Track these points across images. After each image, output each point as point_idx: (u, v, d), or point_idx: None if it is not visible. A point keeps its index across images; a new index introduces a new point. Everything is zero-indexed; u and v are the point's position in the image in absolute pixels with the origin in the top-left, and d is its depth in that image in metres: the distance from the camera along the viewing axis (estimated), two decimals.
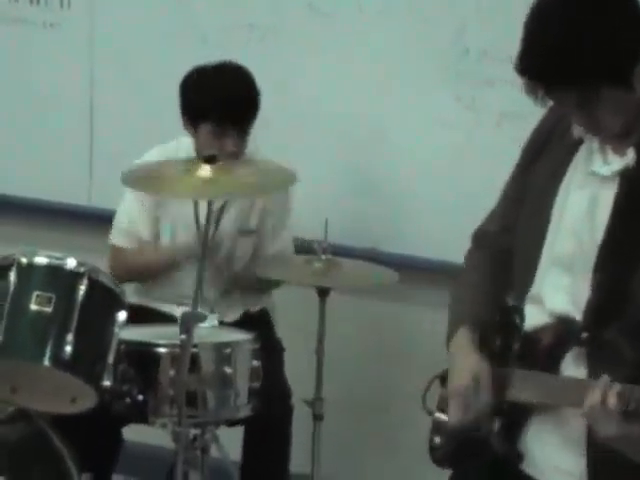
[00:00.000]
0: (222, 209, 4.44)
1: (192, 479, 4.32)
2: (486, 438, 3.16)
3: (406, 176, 4.39)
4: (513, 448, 3.14)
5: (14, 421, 4.51)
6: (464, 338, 3.13)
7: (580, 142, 3.00)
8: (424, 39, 4.69)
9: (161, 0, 5.36)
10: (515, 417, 3.14)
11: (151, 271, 4.79)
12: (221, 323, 4.47)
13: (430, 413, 3.32)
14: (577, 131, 2.94)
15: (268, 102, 4.49)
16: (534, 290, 3.06)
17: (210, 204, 3.92)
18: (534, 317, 3.05)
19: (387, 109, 4.89)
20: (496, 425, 3.15)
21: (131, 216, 4.67)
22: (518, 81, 2.80)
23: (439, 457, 3.33)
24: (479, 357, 3.05)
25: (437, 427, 3.34)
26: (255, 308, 4.79)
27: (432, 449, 3.35)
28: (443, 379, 3.27)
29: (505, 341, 3.12)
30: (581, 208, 2.95)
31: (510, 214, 3.20)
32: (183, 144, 4.48)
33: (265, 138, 4.61)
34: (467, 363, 3.07)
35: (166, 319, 4.57)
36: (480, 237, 3.32)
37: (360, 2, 5.00)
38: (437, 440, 3.32)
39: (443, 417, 3.32)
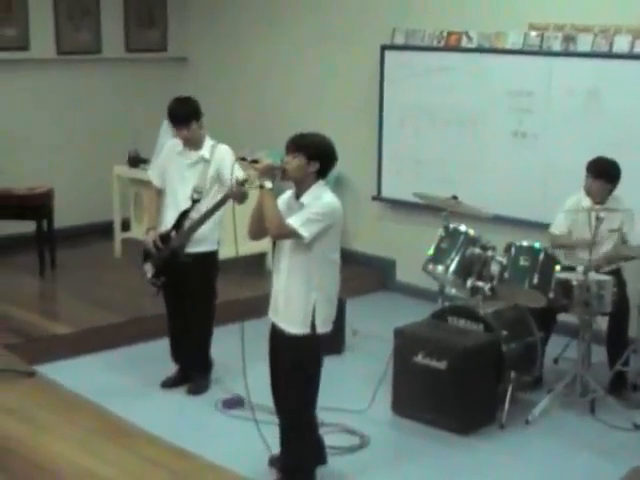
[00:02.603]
0: (600, 220, 5.95)
1: (586, 337, 6.02)
2: None
3: None
4: None
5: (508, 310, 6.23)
6: None
7: None
8: None
9: None
10: None
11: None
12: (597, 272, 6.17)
13: None
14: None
15: None
16: None
17: (597, 219, 5.86)
18: None
19: None
20: None
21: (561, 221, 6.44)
22: None
23: None
24: None
25: None
26: (615, 267, 6.39)
27: None
28: None
29: None
30: None
31: None
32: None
33: None
34: None
35: (572, 269, 6.21)
36: None
37: None
38: None
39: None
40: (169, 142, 6.42)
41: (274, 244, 4.70)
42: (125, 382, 6.41)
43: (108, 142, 9.59)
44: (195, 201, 6.05)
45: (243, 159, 4.65)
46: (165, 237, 6.12)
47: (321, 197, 4.55)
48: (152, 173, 6.44)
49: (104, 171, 9.16)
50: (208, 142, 6.15)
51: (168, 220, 6.16)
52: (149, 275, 6.22)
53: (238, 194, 5.56)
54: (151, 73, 9.99)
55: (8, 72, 9.10)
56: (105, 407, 5.71)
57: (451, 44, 7.97)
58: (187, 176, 6.09)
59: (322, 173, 4.59)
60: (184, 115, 6.05)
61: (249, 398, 4.99)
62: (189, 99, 6.19)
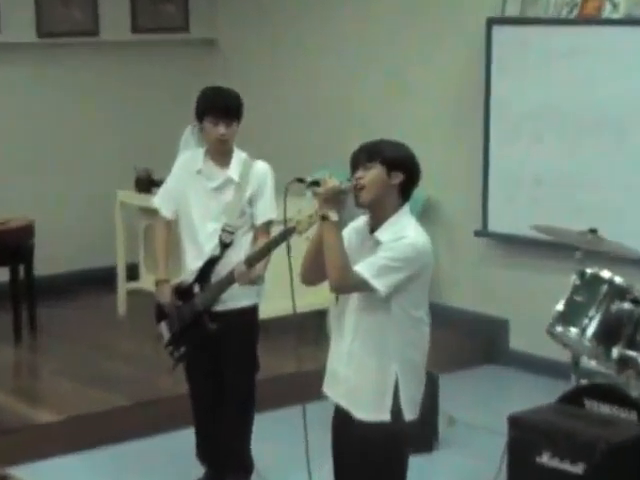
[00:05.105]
0: None
1: None
2: None
3: None
4: None
5: None
6: None
7: None
8: None
9: None
10: None
11: None
12: None
13: None
14: None
15: None
16: None
17: None
18: None
19: None
20: None
21: None
22: None
23: None
24: None
25: None
26: None
27: None
28: None
29: None
30: None
31: None
32: None
33: None
34: None
35: None
36: None
37: None
38: None
39: None
40: (182, 156, 6.38)
41: (337, 296, 4.65)
42: None
43: (109, 158, 9.67)
44: (225, 245, 5.99)
45: (300, 180, 4.54)
46: (185, 292, 6.07)
47: (404, 234, 4.48)
48: (159, 200, 6.31)
49: (103, 198, 9.22)
50: (237, 155, 6.08)
51: (188, 267, 6.11)
52: (165, 340, 6.18)
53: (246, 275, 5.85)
54: (166, 61, 10.03)
55: None
56: None
57: (588, 15, 7.85)
58: (210, 206, 6.02)
59: (405, 193, 4.54)
60: (236, 106, 5.98)
61: None
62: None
